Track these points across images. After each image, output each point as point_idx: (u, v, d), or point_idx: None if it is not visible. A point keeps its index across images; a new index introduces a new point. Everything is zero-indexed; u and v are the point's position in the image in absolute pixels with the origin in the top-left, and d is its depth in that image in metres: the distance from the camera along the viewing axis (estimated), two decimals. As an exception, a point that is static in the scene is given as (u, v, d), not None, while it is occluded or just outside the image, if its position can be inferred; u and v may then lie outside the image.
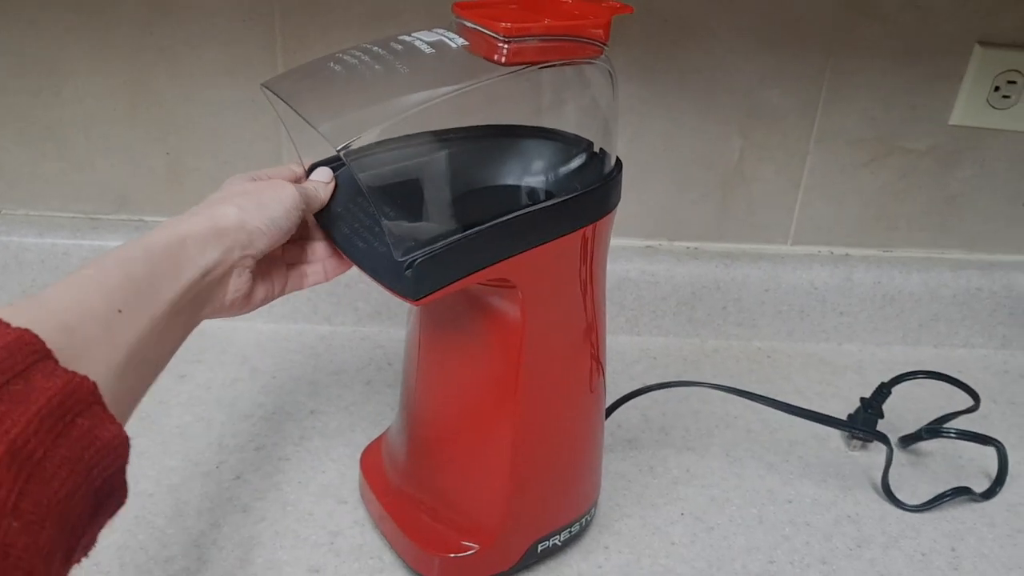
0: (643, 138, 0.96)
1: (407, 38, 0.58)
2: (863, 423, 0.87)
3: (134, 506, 0.74)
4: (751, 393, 0.83)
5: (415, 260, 0.53)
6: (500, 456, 0.65)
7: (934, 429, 0.87)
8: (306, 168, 0.66)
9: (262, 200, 0.58)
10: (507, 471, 0.65)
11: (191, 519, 0.74)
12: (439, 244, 0.54)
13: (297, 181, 0.63)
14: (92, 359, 0.43)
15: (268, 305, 0.97)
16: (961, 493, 0.82)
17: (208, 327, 0.97)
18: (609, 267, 0.98)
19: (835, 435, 0.90)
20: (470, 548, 0.67)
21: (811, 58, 0.93)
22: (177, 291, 0.51)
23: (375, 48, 0.57)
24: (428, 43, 0.57)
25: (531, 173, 0.64)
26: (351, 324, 1.00)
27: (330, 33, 0.89)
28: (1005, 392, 0.99)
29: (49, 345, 0.40)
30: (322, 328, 1.00)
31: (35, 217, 0.97)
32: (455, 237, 0.55)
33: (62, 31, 0.88)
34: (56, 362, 0.41)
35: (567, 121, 0.66)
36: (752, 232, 1.03)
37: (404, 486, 0.71)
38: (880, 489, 0.82)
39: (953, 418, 0.88)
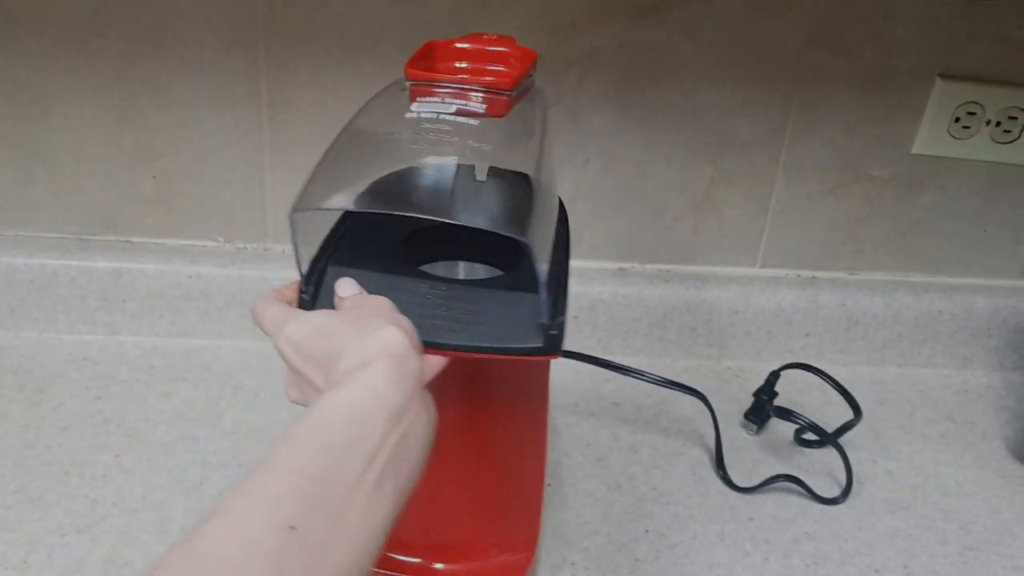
0: (616, 165, 0.99)
1: (438, 113, 0.59)
2: (752, 408, 0.96)
3: (119, 522, 0.77)
4: (607, 362, 0.88)
5: (559, 318, 0.56)
6: (535, 472, 0.69)
7: (783, 410, 0.94)
8: (300, 283, 0.61)
9: (395, 315, 0.52)
10: (541, 483, 0.69)
11: (175, 535, 0.76)
12: (559, 295, 0.57)
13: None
14: None
15: (252, 325, 1.01)
16: (790, 480, 0.88)
17: (192, 347, 1.00)
18: (582, 288, 1.02)
19: (797, 454, 0.93)
20: (525, 559, 0.70)
21: (778, 90, 0.97)
22: (365, 459, 0.43)
23: (426, 133, 0.57)
24: (454, 113, 0.59)
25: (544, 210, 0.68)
26: (332, 342, 1.03)
27: (313, 63, 0.92)
28: (964, 411, 1.03)
29: None
30: (304, 346, 1.02)
31: (24, 238, 1.00)
32: (563, 283, 0.58)
33: (51, 59, 0.91)
34: None
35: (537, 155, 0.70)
36: (722, 256, 1.07)
37: (431, 536, 0.72)
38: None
39: (847, 430, 0.92)
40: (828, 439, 0.91)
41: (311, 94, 0.94)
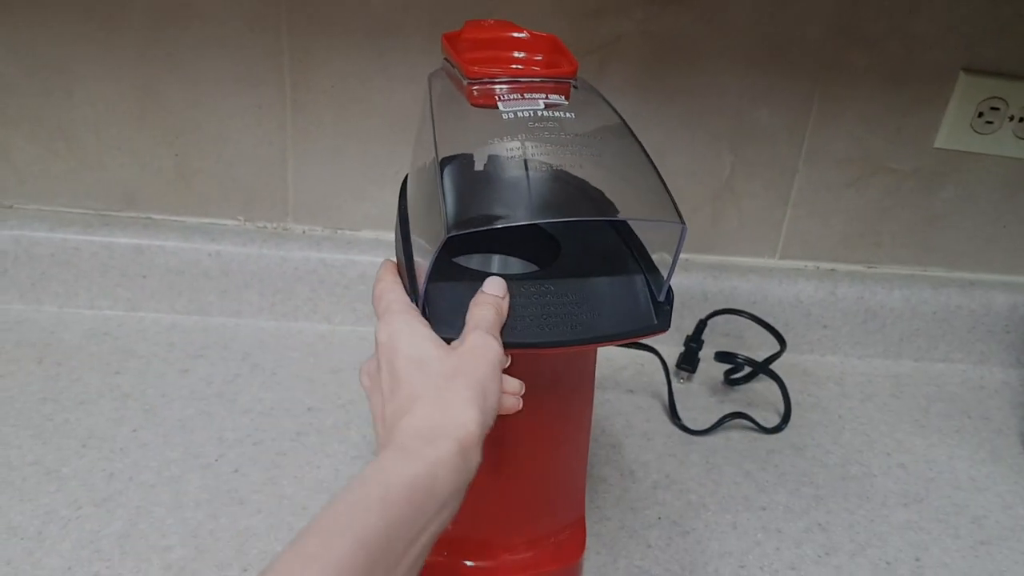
0: (636, 152, 0.99)
1: (534, 111, 0.58)
2: (684, 356, 1.02)
3: (135, 496, 0.77)
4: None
5: (669, 291, 0.57)
6: (583, 455, 0.70)
7: (723, 354, 0.99)
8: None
9: (487, 387, 0.52)
10: (585, 465, 0.71)
11: (190, 510, 0.77)
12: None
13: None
14: None
15: (270, 304, 1.02)
16: (739, 417, 0.94)
17: (211, 324, 1.00)
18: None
19: (812, 445, 0.93)
20: (578, 538, 0.72)
21: (801, 80, 0.97)
22: (414, 536, 0.45)
23: (539, 132, 0.56)
24: (544, 108, 0.58)
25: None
26: (349, 324, 1.03)
27: (335, 45, 0.92)
28: (979, 407, 1.02)
29: None
30: (321, 327, 1.03)
31: (46, 212, 1.00)
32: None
33: (75, 36, 0.91)
34: None
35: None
36: (741, 246, 1.07)
37: (496, 542, 0.70)
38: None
39: (772, 360, 0.98)
40: (763, 370, 0.98)
41: (334, 76, 0.94)
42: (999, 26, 0.94)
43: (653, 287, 0.58)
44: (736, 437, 0.93)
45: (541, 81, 0.60)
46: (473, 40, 0.65)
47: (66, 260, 0.98)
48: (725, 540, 0.80)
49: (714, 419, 0.93)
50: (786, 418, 0.96)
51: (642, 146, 0.58)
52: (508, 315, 0.55)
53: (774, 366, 0.98)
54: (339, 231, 1.03)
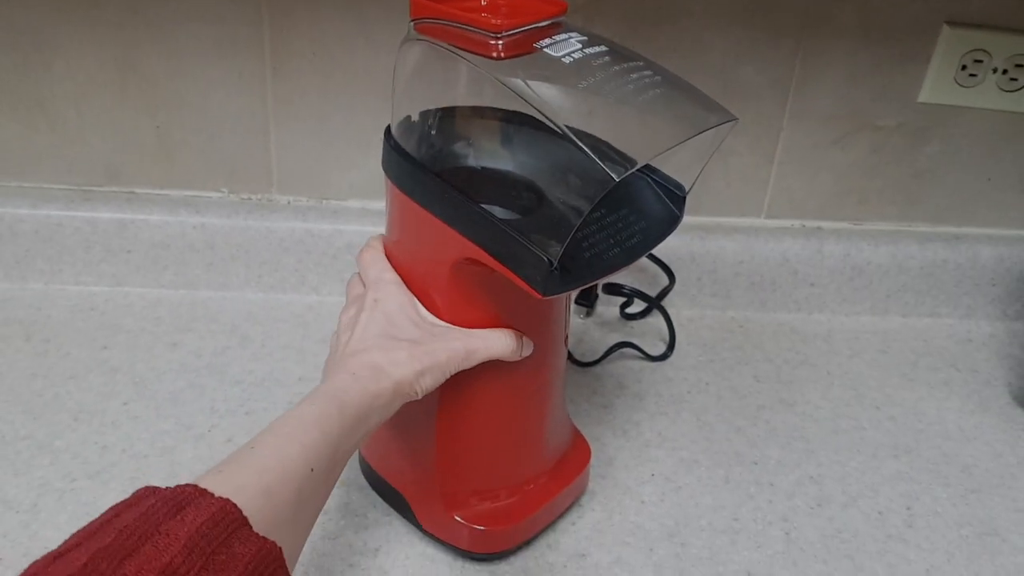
0: (621, 114, 0.99)
1: (583, 52, 0.57)
2: (582, 291, 1.03)
3: (129, 467, 0.77)
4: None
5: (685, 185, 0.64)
6: (560, 379, 0.74)
7: (611, 286, 1.03)
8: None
9: (432, 369, 0.61)
10: (564, 384, 0.75)
11: (184, 479, 0.76)
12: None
13: None
14: (282, 520, 0.50)
15: (257, 276, 1.01)
16: (625, 346, 0.99)
17: (198, 298, 1.00)
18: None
19: (801, 401, 0.94)
20: (581, 447, 0.79)
21: (785, 37, 0.96)
22: (357, 442, 0.58)
23: (599, 70, 0.57)
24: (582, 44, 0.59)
25: None
26: (338, 294, 1.03)
27: (318, 10, 0.91)
28: (967, 360, 1.03)
29: (247, 511, 0.47)
30: (310, 298, 1.03)
31: (28, 189, 1.00)
32: None
33: (52, 8, 0.90)
34: (250, 528, 0.46)
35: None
36: (727, 206, 1.07)
37: (514, 478, 0.74)
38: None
39: (663, 296, 1.03)
40: (651, 302, 1.02)
41: (315, 42, 0.93)
42: (981, -23, 0.94)
43: (665, 183, 0.65)
44: (727, 396, 0.93)
45: (550, 24, 0.60)
46: None
47: (49, 236, 0.98)
48: (718, 494, 0.81)
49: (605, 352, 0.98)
50: (671, 345, 1.00)
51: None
52: (592, 248, 0.59)
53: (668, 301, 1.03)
54: (325, 201, 1.03)
